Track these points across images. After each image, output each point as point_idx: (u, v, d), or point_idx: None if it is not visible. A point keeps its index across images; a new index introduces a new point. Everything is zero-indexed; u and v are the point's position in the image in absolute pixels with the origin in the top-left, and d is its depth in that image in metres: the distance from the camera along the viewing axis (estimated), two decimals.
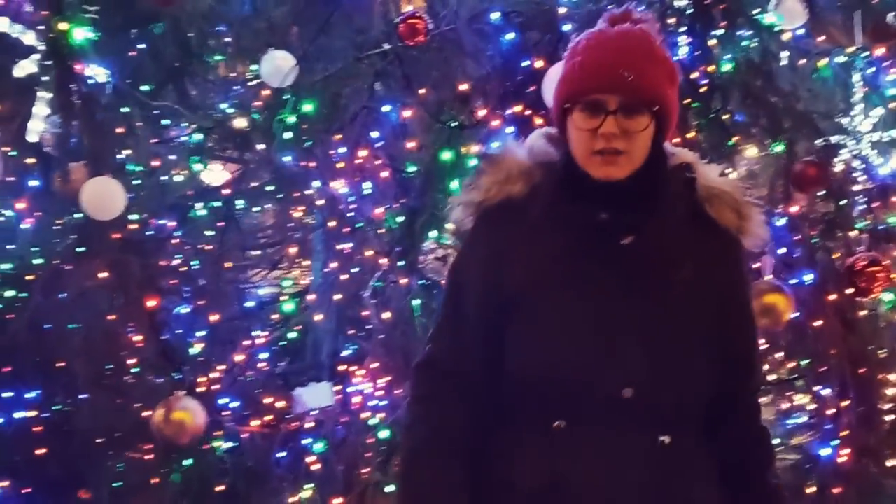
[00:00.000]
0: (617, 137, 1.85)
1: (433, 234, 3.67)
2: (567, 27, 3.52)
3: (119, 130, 3.54)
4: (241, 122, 4.03)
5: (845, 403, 3.67)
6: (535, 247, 1.91)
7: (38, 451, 3.67)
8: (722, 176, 2.04)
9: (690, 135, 3.68)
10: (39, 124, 3.45)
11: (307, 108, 3.84)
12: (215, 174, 4.32)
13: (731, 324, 1.97)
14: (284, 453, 3.77)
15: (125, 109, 3.59)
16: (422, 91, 3.81)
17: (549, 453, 1.85)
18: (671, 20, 3.73)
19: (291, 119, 3.85)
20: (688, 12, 3.70)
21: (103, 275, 3.44)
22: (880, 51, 3.88)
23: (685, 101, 3.67)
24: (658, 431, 1.86)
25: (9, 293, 3.79)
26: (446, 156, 3.72)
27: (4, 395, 3.68)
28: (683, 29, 3.70)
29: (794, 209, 3.73)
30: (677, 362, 1.88)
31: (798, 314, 3.56)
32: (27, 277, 3.77)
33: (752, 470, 2.02)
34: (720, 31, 3.69)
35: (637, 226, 1.88)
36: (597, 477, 1.83)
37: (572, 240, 1.89)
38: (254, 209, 4.67)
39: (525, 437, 1.89)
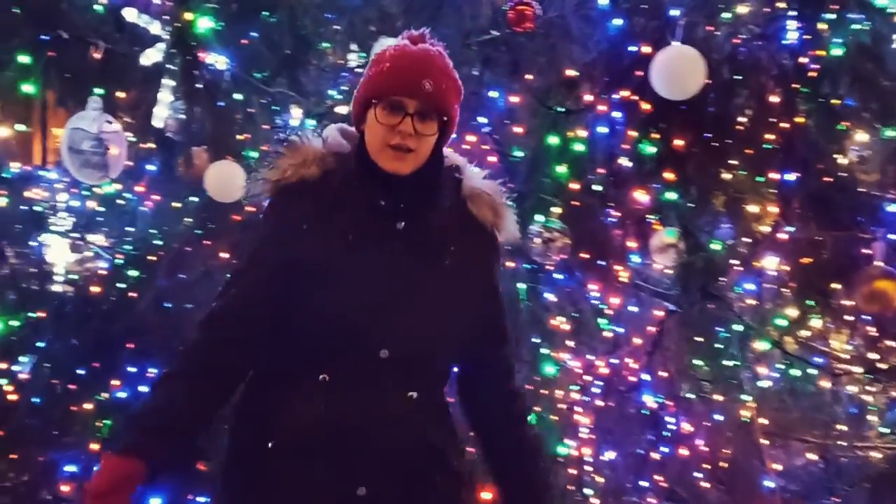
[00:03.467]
0: (411, 137, 2.15)
1: (539, 218, 3.69)
2: (674, 13, 3.50)
3: (237, 116, 3.63)
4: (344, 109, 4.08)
5: None
6: (325, 225, 2.18)
7: None
8: (485, 179, 2.33)
9: (799, 120, 3.65)
10: (163, 111, 3.58)
11: None
12: None
13: (484, 302, 2.30)
14: None
15: (238, 96, 3.68)
16: (529, 77, 3.83)
17: (314, 400, 2.14)
18: (780, 3, 3.70)
19: None
20: None
21: (224, 255, 3.52)
22: None
23: (793, 86, 3.66)
24: (408, 388, 2.19)
25: (133, 273, 3.97)
26: (553, 141, 3.73)
27: (129, 370, 3.83)
28: (793, 13, 3.66)
29: None
30: (430, 330, 2.19)
31: None
32: (150, 258, 3.94)
33: (504, 425, 2.36)
34: (830, 15, 3.63)
35: (409, 214, 2.20)
36: (352, 421, 2.14)
37: (356, 221, 2.18)
38: None
39: (296, 387, 2.17)
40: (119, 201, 4.14)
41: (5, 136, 4.11)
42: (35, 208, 4.24)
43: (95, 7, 3.68)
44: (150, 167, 4.00)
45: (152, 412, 2.19)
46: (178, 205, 3.95)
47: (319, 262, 2.16)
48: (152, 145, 3.96)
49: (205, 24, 3.32)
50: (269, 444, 2.15)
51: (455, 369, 2.36)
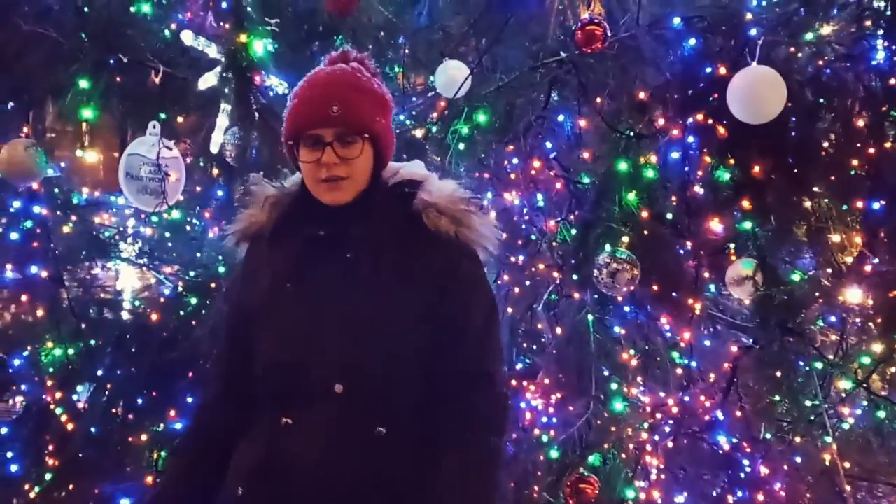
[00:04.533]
0: (337, 165, 2.14)
1: (608, 247, 3.56)
2: (753, 32, 3.40)
3: None
4: (418, 133, 4.04)
5: None
6: (271, 265, 2.21)
7: None
8: (452, 189, 2.25)
9: (888, 145, 3.53)
10: (220, 136, 3.54)
11: (480, 118, 3.84)
12: None
13: (443, 319, 2.16)
14: None
15: None
16: (598, 100, 3.74)
17: (278, 445, 2.13)
18: (867, 22, 3.60)
19: (465, 130, 3.85)
20: (886, 13, 3.55)
21: None
22: None
23: (882, 109, 3.49)
24: (374, 423, 2.10)
25: (193, 300, 3.93)
26: (623, 166, 3.63)
27: (188, 400, 3.75)
28: (881, 32, 3.54)
29: None
30: (387, 360, 2.12)
31: None
32: (211, 286, 3.90)
33: (449, 448, 2.14)
34: None
35: (351, 240, 2.16)
36: (311, 464, 2.09)
37: (301, 256, 2.18)
38: None
39: (262, 432, 2.17)
40: (186, 227, 4.14)
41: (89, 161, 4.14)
42: (103, 234, 4.26)
43: (165, 32, 3.67)
44: (220, 192, 3.99)
45: (166, 487, 2.37)
46: None
47: (265, 304, 2.19)
48: (215, 171, 3.94)
49: (260, 46, 3.27)
50: (239, 491, 2.16)
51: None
